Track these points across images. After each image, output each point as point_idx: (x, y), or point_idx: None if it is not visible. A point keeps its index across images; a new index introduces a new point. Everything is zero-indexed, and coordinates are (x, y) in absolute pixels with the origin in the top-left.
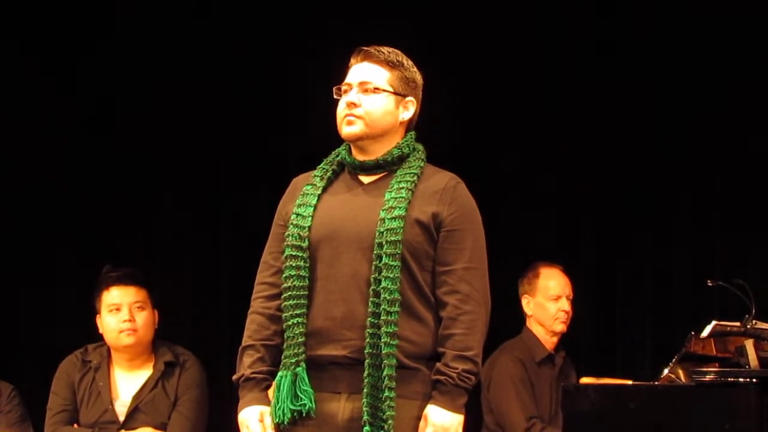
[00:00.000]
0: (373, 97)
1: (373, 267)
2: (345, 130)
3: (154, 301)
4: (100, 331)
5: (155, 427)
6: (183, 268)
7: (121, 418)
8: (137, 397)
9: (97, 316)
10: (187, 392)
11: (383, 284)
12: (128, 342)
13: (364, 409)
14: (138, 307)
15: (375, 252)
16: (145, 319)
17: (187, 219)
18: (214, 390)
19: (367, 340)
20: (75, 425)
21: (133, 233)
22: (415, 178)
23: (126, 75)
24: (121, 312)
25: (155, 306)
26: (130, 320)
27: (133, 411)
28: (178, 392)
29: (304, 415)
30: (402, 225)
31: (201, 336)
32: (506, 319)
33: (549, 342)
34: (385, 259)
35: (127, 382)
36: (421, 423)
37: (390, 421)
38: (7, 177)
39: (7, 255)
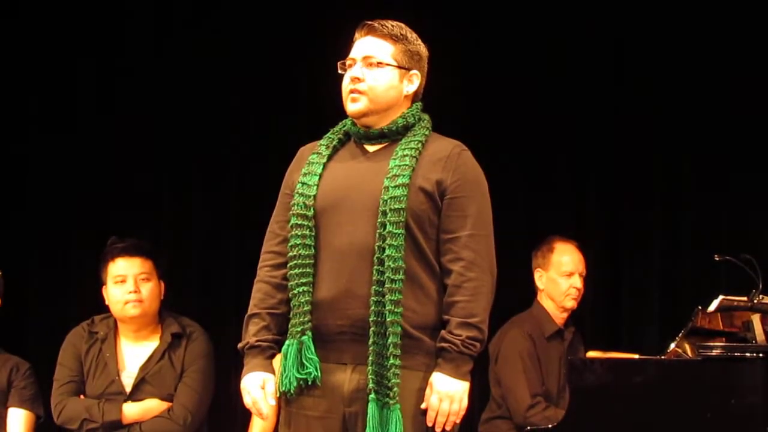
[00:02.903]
0: (376, 71)
1: (377, 235)
2: (350, 108)
3: (161, 272)
4: (107, 302)
5: (161, 399)
6: (190, 239)
7: (128, 389)
8: (144, 368)
9: (103, 287)
10: (193, 363)
11: (387, 252)
12: (134, 313)
13: (369, 377)
14: (143, 279)
15: (379, 220)
16: (150, 290)
17: (195, 189)
18: (221, 361)
19: (372, 308)
20: (82, 396)
21: (141, 204)
22: (420, 145)
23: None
24: (126, 283)
25: (161, 277)
26: (135, 291)
27: (140, 382)
28: (184, 363)
29: (309, 383)
30: (406, 193)
31: (207, 307)
32: (516, 292)
33: (559, 317)
34: (389, 227)
35: (134, 354)
36: (427, 391)
37: (395, 389)
38: (13, 149)
39: (16, 229)
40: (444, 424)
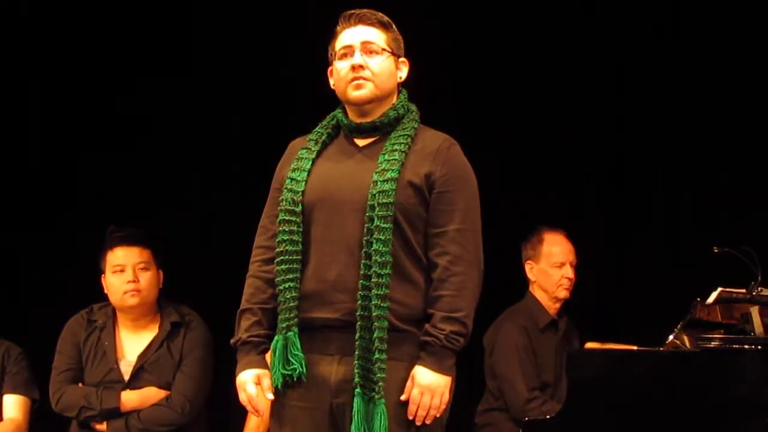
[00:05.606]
0: (378, 58)
1: (365, 229)
2: (354, 94)
3: (159, 261)
4: (105, 291)
5: (160, 387)
6: (189, 228)
7: (126, 378)
8: (142, 356)
9: (102, 276)
10: (191, 352)
11: (375, 246)
12: (132, 303)
13: (356, 371)
14: (142, 268)
15: (367, 214)
16: (149, 279)
17: (194, 178)
18: (219, 350)
19: (359, 302)
20: (80, 384)
21: (139, 192)
22: (409, 140)
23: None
24: (125, 273)
25: (160, 266)
26: (134, 281)
27: (138, 370)
28: (183, 352)
29: (295, 378)
30: (394, 187)
31: (206, 296)
32: (510, 283)
33: (552, 308)
34: (377, 222)
35: (133, 342)
36: (408, 383)
37: (380, 383)
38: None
39: (13, 215)
40: (424, 418)
